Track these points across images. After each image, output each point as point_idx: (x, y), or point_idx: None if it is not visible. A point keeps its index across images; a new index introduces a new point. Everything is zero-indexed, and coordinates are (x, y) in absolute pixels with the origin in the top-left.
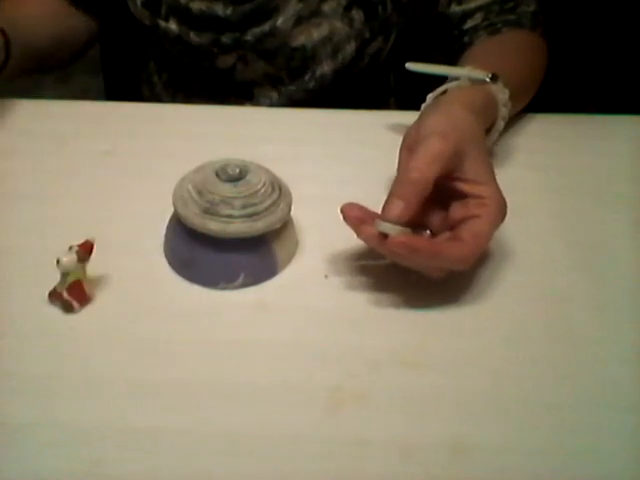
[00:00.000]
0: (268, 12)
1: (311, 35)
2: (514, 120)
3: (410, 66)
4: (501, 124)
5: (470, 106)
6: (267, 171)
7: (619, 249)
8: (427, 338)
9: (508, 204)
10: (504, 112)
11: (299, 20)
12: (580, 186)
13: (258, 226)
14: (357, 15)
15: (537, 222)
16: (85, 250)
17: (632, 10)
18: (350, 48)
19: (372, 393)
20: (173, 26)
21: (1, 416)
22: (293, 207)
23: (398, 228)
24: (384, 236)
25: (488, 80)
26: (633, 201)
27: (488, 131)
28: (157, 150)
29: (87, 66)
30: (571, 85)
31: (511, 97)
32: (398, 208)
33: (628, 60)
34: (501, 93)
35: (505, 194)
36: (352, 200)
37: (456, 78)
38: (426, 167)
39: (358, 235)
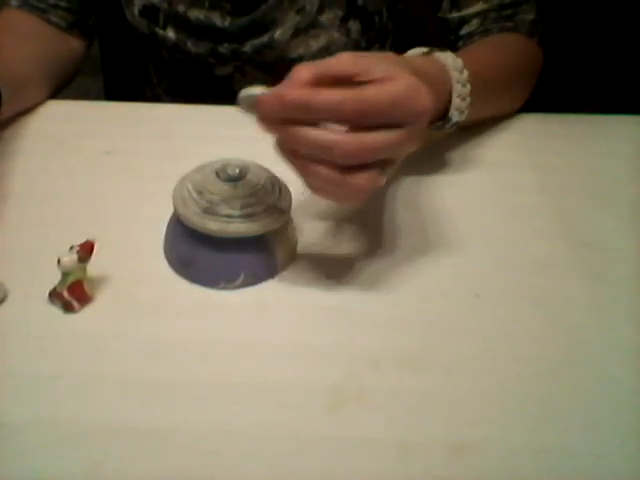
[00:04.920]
0: (266, 25)
1: (309, 46)
2: (514, 120)
3: None
4: (459, 88)
5: (397, 56)
6: (267, 171)
7: (619, 249)
8: (427, 338)
9: (508, 204)
10: (459, 77)
11: (297, 32)
12: (580, 186)
13: (258, 226)
14: (354, 26)
15: (537, 222)
16: (85, 250)
17: (632, 10)
18: None
19: (372, 393)
20: (171, 34)
21: (1, 416)
22: (293, 207)
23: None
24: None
25: (426, 50)
26: (633, 201)
27: (449, 101)
28: (157, 150)
29: (87, 67)
30: (571, 85)
31: (475, 77)
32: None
33: (629, 60)
34: (449, 58)
35: (505, 194)
36: None
37: None
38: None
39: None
